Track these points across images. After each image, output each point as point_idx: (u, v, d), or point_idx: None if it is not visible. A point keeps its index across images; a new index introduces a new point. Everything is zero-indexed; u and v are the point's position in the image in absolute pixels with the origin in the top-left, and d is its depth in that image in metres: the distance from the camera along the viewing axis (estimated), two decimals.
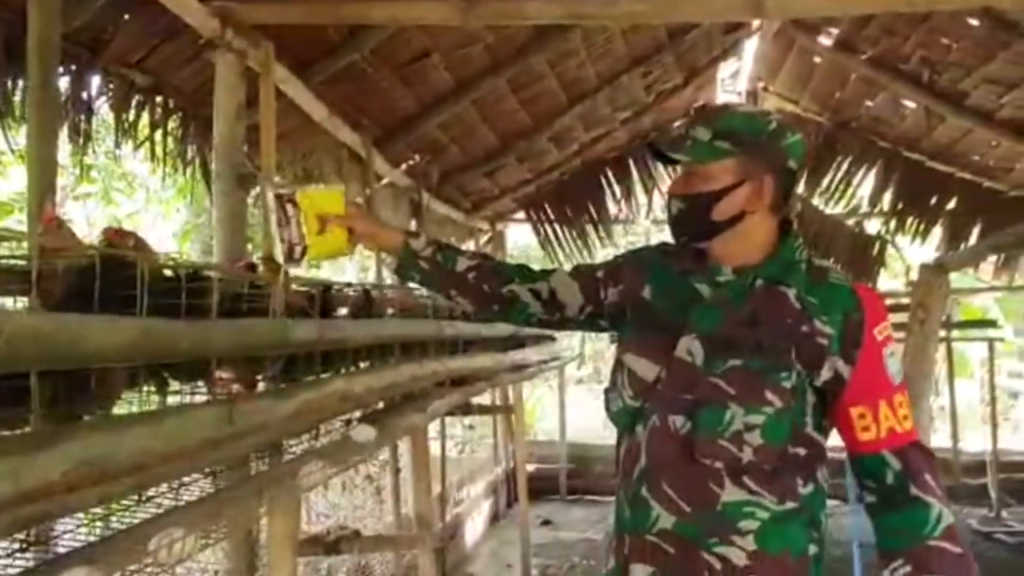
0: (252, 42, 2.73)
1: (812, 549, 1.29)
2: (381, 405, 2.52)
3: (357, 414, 2.19)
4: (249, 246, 2.91)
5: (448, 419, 5.90)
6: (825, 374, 1.27)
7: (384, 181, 4.89)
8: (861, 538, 3.83)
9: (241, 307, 1.59)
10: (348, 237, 1.50)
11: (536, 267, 1.58)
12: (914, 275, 8.27)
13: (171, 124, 3.19)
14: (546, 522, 6.28)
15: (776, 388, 1.26)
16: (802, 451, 1.28)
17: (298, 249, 1.51)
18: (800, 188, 7.07)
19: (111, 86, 2.78)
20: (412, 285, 1.94)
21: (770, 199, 1.33)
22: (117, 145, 2.90)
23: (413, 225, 5.52)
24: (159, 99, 3.04)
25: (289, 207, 1.49)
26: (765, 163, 1.32)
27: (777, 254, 1.35)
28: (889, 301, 6.62)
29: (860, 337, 1.27)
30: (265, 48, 2.77)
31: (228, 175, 2.60)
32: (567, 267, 1.62)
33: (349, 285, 2.68)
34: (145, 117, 3.02)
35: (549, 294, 1.50)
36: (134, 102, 2.94)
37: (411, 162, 4.94)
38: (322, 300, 2.17)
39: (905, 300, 5.57)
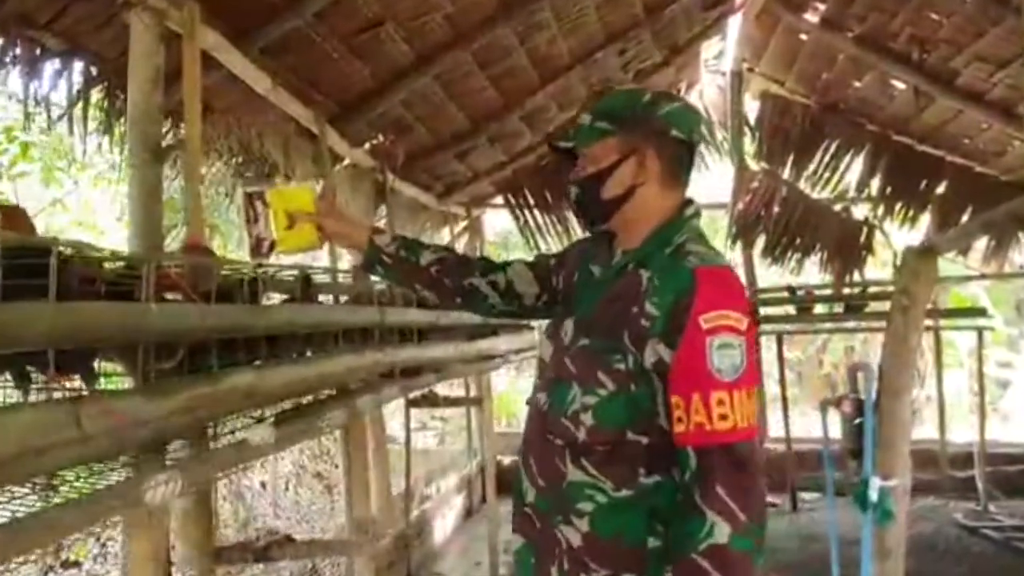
0: (173, 1, 2.48)
1: (652, 542, 1.25)
2: (312, 399, 2.31)
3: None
4: (174, 228, 2.68)
5: (421, 410, 5.70)
6: (649, 357, 1.23)
7: (345, 162, 4.65)
8: (839, 534, 3.62)
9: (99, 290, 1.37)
10: (317, 233, 1.56)
11: (503, 258, 1.77)
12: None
13: (96, 95, 2.94)
14: None
15: (609, 370, 1.26)
16: (645, 439, 1.25)
17: (265, 244, 1.53)
18: (787, 171, 6.87)
19: (16, 51, 2.52)
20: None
21: (657, 170, 1.34)
22: (27, 117, 2.64)
23: (383, 211, 5.30)
24: (78, 66, 2.78)
25: (259, 204, 1.50)
26: (643, 135, 1.33)
27: (653, 236, 1.35)
28: (875, 289, 6.49)
29: (684, 322, 1.21)
30: (188, 8, 2.52)
31: (142, 148, 2.35)
32: (527, 257, 1.65)
33: (283, 268, 2.45)
34: (63, 87, 2.76)
35: (506, 285, 1.56)
36: (48, 69, 2.69)
37: (374, 142, 4.69)
38: (251, 285, 1.96)
39: (892, 288, 5.37)
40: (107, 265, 1.61)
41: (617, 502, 1.26)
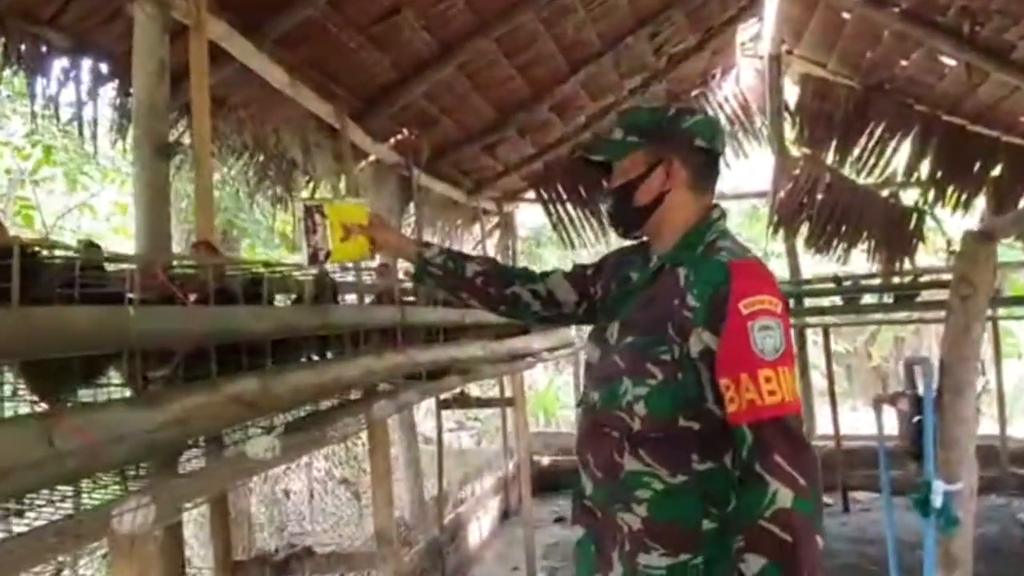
0: None
1: (707, 524, 1.32)
2: (328, 404, 2.18)
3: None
4: (181, 227, 2.57)
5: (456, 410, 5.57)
6: (694, 346, 1.32)
7: (371, 158, 4.54)
8: (896, 537, 3.38)
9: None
10: (369, 246, 1.68)
11: (540, 268, 1.76)
12: (956, 249, 7.71)
13: (108, 93, 2.86)
14: (560, 519, 5.89)
15: (657, 361, 1.34)
16: (696, 425, 1.32)
17: (321, 254, 1.65)
18: (830, 157, 6.59)
19: (21, 48, 2.44)
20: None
21: (686, 177, 1.45)
22: (33, 118, 2.56)
23: (411, 208, 5.19)
24: (87, 63, 2.70)
25: (317, 216, 1.64)
26: (670, 146, 1.45)
27: (685, 238, 1.45)
28: (927, 278, 6.18)
29: (725, 310, 1.29)
30: None
31: (147, 144, 2.25)
32: (566, 268, 1.75)
33: (299, 268, 2.33)
34: (72, 86, 2.68)
35: (547, 293, 1.67)
36: (56, 68, 2.61)
37: (398, 137, 4.57)
38: (251, 285, 1.84)
39: (946, 276, 5.08)
40: (109, 267, 1.50)
41: (672, 488, 1.33)
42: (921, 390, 2.89)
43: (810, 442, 1.28)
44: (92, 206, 5.20)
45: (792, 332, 1.32)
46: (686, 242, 1.45)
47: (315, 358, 2.18)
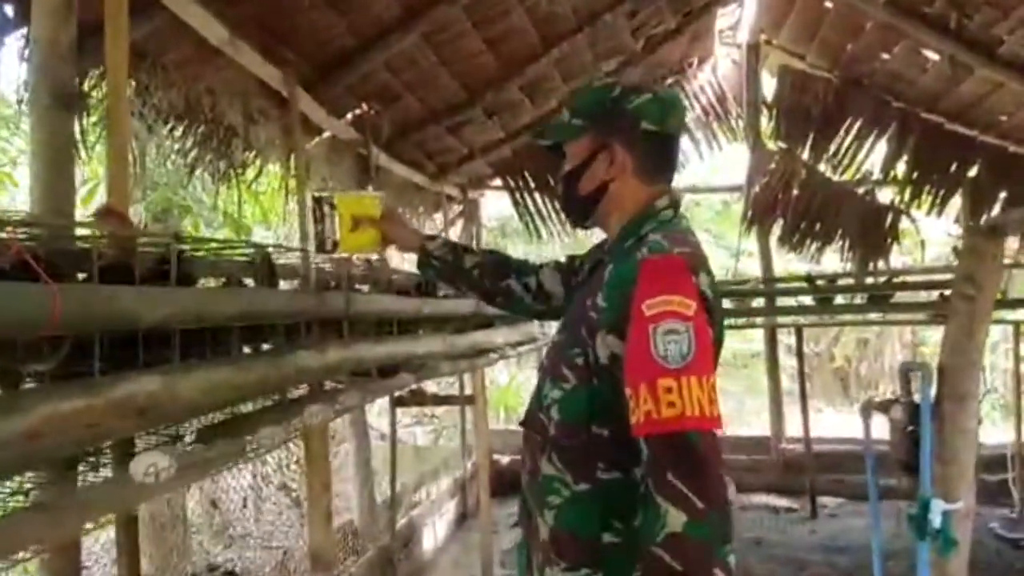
0: None
1: (608, 538, 1.25)
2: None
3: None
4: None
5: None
6: (601, 351, 1.24)
7: (326, 134, 4.19)
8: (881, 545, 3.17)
9: None
10: (379, 237, 1.72)
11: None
12: (931, 251, 7.62)
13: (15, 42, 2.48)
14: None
15: (571, 364, 1.28)
16: (606, 432, 1.25)
17: (329, 242, 1.71)
18: (807, 152, 6.40)
19: None
20: None
21: (631, 164, 1.34)
22: None
23: (370, 188, 4.84)
24: None
25: (326, 207, 1.69)
26: (613, 130, 1.34)
27: (622, 231, 1.36)
28: (920, 278, 6.01)
29: (630, 311, 1.18)
30: None
31: (46, 92, 1.89)
32: (560, 258, 1.69)
33: (231, 245, 2.01)
34: None
35: (537, 286, 1.65)
36: None
37: (357, 112, 4.23)
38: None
39: (939, 276, 4.90)
40: None
41: (576, 496, 1.28)
42: (918, 397, 2.66)
43: (714, 458, 1.12)
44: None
45: (709, 335, 1.17)
46: (622, 235, 1.36)
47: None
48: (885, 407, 2.82)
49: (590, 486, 1.25)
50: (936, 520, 2.44)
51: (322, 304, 2.10)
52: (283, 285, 2.25)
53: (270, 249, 2.06)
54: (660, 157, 1.36)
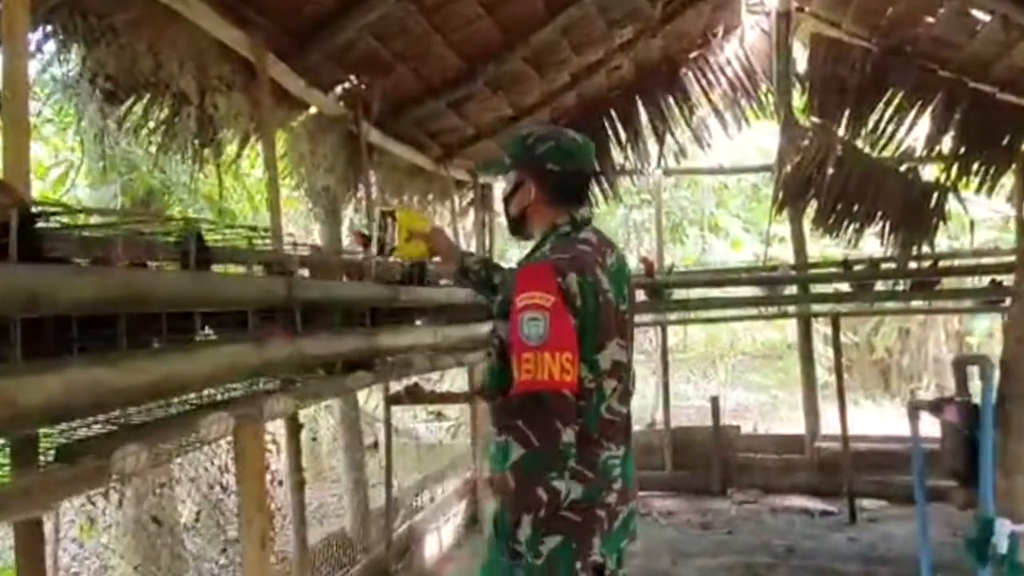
0: None
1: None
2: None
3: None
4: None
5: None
6: (503, 331, 1.68)
7: (311, 110, 3.86)
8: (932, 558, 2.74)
9: None
10: (426, 249, 2.14)
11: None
12: (980, 234, 7.07)
13: None
14: None
15: (492, 342, 1.74)
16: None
17: (387, 248, 2.10)
18: (843, 128, 5.91)
19: None
20: None
21: (540, 195, 1.76)
22: None
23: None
24: None
25: (389, 219, 2.11)
26: (527, 169, 1.77)
27: (536, 243, 1.78)
28: (969, 262, 5.51)
29: (511, 304, 1.60)
30: None
31: None
32: None
33: (143, 219, 1.69)
34: None
35: None
36: None
37: (345, 85, 3.89)
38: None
39: (990, 260, 4.44)
40: None
41: (497, 447, 1.68)
42: (977, 397, 2.25)
43: (554, 411, 1.50)
44: None
45: (568, 321, 1.55)
46: (535, 246, 1.76)
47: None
48: (937, 407, 2.41)
49: (504, 440, 1.61)
50: (1002, 544, 2.03)
51: (252, 290, 1.76)
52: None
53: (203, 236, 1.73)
54: (563, 189, 1.75)
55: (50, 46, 2.71)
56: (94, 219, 1.85)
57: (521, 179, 1.75)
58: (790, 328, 9.06)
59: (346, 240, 4.07)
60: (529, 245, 1.83)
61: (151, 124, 3.13)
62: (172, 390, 1.46)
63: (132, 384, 1.35)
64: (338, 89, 3.96)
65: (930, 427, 2.53)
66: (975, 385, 2.38)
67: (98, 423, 1.38)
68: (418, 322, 3.30)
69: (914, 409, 2.57)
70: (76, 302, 1.19)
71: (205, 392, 1.84)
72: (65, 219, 1.65)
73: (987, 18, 4.95)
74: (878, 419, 8.89)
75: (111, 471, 1.15)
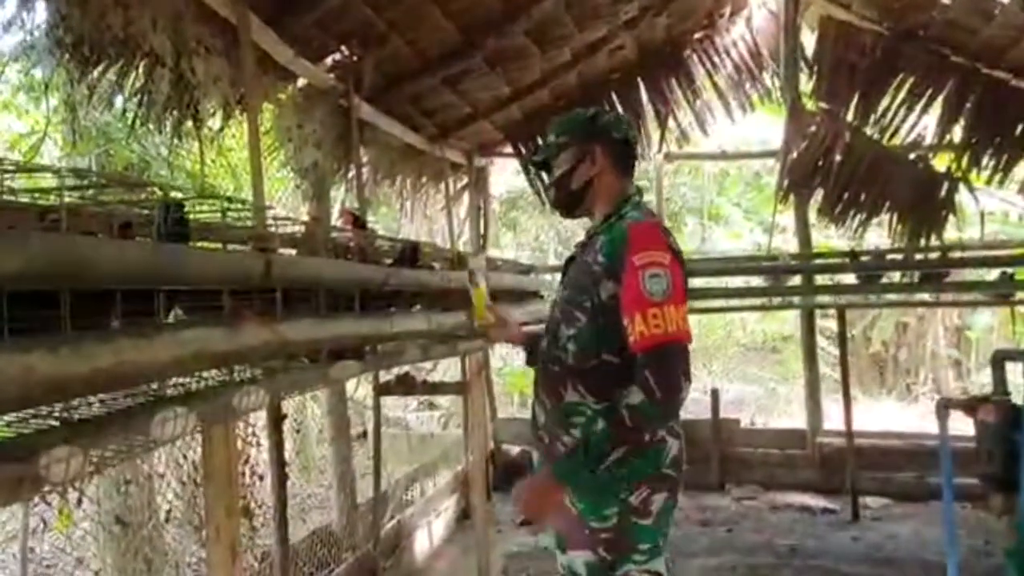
0: None
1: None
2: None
3: None
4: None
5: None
6: (604, 293, 1.72)
7: (301, 82, 3.64)
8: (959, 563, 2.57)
9: None
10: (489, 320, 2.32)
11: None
12: (989, 226, 6.91)
13: None
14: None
15: (581, 308, 1.77)
16: (616, 360, 1.70)
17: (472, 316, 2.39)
18: (851, 114, 5.73)
19: None
20: None
21: (608, 162, 1.86)
22: None
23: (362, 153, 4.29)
24: None
25: (471, 287, 2.34)
26: (594, 141, 1.85)
27: (609, 213, 1.85)
28: (980, 254, 5.33)
29: (624, 263, 1.67)
30: None
31: None
32: None
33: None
34: None
35: None
36: None
37: (336, 56, 3.67)
38: None
39: (1001, 252, 4.25)
40: None
41: (596, 413, 1.72)
42: (1021, 398, 2.07)
43: (681, 364, 1.62)
44: None
45: (681, 277, 1.69)
46: (608, 215, 1.84)
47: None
48: (971, 406, 2.22)
49: (607, 403, 1.68)
50: None
51: (222, 267, 1.55)
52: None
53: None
54: (626, 158, 1.87)
55: (12, 2, 2.51)
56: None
57: (582, 154, 1.83)
58: (789, 320, 8.89)
59: (336, 221, 3.86)
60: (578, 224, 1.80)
61: (126, 92, 2.93)
62: (124, 381, 1.26)
63: (73, 373, 1.14)
64: (328, 60, 3.75)
65: (929, 425, 2.36)
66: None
67: (36, 419, 1.18)
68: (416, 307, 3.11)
69: (944, 407, 2.39)
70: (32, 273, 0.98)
71: (174, 383, 1.65)
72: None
73: (1005, 0, 4.76)
74: (875, 414, 8.74)
75: (34, 478, 0.95)
